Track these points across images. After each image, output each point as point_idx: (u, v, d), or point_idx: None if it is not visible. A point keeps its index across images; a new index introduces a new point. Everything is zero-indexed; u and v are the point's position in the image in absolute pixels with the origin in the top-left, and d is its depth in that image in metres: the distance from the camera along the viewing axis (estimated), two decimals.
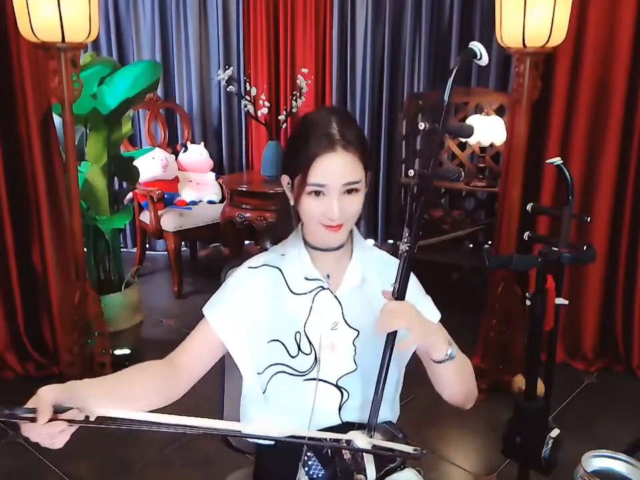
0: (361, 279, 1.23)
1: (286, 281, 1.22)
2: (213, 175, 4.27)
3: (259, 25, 4.33)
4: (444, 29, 4.06)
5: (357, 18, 4.21)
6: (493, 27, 2.51)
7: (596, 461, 1.12)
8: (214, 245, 4.76)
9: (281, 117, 3.90)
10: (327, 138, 1.11)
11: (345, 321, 1.21)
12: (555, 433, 1.60)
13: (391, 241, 4.37)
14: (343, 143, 1.11)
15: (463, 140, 3.67)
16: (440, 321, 1.28)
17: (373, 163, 4.25)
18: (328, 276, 1.22)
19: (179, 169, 4.18)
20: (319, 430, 1.16)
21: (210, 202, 4.13)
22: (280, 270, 1.24)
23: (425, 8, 3.99)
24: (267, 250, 1.30)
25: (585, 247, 1.89)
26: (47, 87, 2.49)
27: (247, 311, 1.20)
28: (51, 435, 0.91)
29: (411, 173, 1.08)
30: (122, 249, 3.72)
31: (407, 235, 1.09)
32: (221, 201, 4.14)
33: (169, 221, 3.82)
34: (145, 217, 3.93)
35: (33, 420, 0.88)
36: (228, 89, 3.90)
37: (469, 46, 1.08)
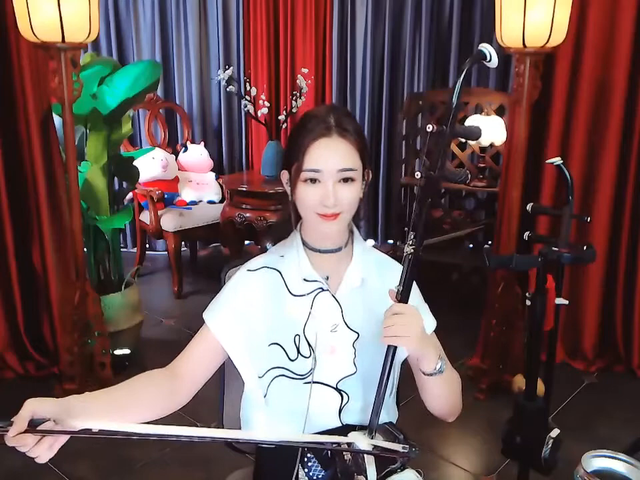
0: (360, 280, 1.23)
1: (285, 283, 1.22)
2: (212, 174, 4.27)
3: (259, 24, 4.33)
4: (444, 29, 4.06)
5: (356, 18, 4.21)
6: (492, 27, 2.51)
7: (596, 460, 1.12)
8: (214, 244, 4.76)
9: (281, 117, 3.91)
10: (324, 124, 1.13)
11: (345, 322, 1.20)
12: (555, 432, 1.60)
13: (390, 241, 4.37)
14: (338, 130, 1.13)
15: (463, 140, 3.66)
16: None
17: (373, 163, 4.25)
18: (327, 278, 1.21)
19: (178, 169, 4.18)
20: (319, 432, 1.16)
21: (210, 202, 4.13)
22: (279, 272, 1.23)
23: (424, 8, 3.99)
24: (266, 250, 1.30)
25: (584, 247, 1.89)
26: (47, 87, 2.49)
27: (247, 315, 1.20)
28: (28, 447, 0.91)
29: (418, 175, 1.07)
30: (122, 249, 3.72)
31: (412, 237, 1.08)
32: (221, 201, 4.14)
33: (169, 221, 3.82)
34: (145, 216, 3.93)
35: (5, 432, 0.89)
36: (228, 89, 3.90)
37: (479, 47, 1.07)
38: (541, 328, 1.77)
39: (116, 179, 3.33)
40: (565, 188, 2.01)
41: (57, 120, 2.64)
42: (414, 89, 4.14)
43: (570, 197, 2.01)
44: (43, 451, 0.93)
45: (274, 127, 4.10)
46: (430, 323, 1.27)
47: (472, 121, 3.50)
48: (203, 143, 4.36)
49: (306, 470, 1.18)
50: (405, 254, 1.09)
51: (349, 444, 1.10)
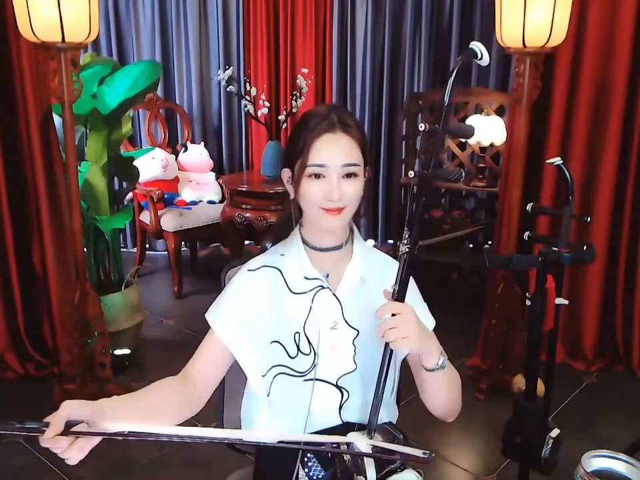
0: (360, 278, 1.23)
1: (285, 281, 1.22)
2: (212, 175, 4.27)
3: (259, 25, 4.33)
4: (444, 29, 4.06)
5: (356, 18, 4.21)
6: (492, 27, 2.51)
7: (596, 460, 1.12)
8: (214, 244, 4.76)
9: (281, 117, 3.91)
10: (327, 121, 1.14)
11: (345, 320, 1.21)
12: (555, 432, 1.60)
13: (390, 241, 4.37)
14: (342, 126, 1.15)
15: (463, 140, 3.67)
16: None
17: (373, 163, 4.25)
18: (328, 275, 1.22)
19: (179, 169, 4.18)
20: (320, 431, 1.16)
21: (210, 202, 4.13)
22: (279, 270, 1.24)
23: (424, 8, 3.99)
24: (266, 250, 1.30)
25: (584, 247, 1.89)
26: (47, 87, 2.49)
27: (251, 316, 1.20)
28: (62, 449, 0.92)
29: (411, 174, 1.08)
30: (122, 249, 3.72)
31: (406, 236, 1.09)
32: (221, 201, 4.14)
33: (169, 221, 3.82)
34: (145, 216, 3.93)
35: (42, 433, 0.90)
36: (228, 89, 3.90)
37: (470, 46, 1.08)
38: (541, 328, 1.77)
39: (116, 178, 3.33)
40: (565, 188, 2.02)
41: (57, 120, 2.64)
42: (414, 88, 4.14)
43: (570, 197, 2.01)
44: (76, 452, 0.94)
45: (274, 127, 4.10)
46: (429, 322, 1.27)
47: (472, 120, 3.50)
48: (202, 143, 4.36)
49: (306, 470, 1.19)
50: (400, 253, 1.10)
51: (347, 444, 1.10)
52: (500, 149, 3.48)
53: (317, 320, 1.20)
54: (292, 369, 1.17)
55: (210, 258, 4.66)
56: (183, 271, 3.94)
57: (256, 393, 1.23)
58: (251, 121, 4.37)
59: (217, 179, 4.25)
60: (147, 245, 4.36)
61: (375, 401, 1.10)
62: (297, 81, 3.85)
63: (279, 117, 3.96)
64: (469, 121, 3.53)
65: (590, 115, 2.80)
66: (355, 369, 1.19)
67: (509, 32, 2.38)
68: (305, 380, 1.17)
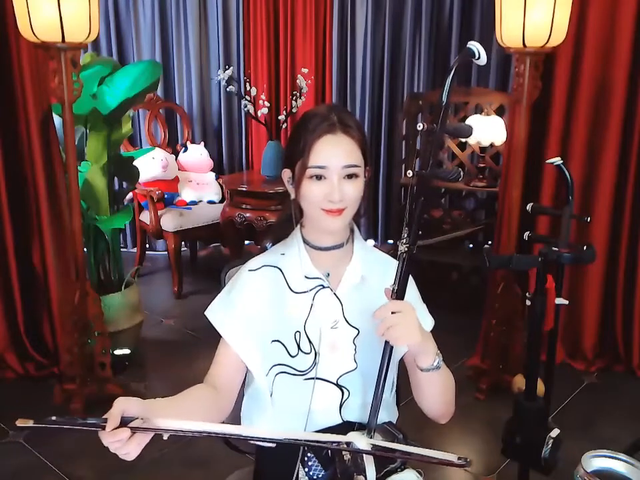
0: (360, 277, 1.24)
1: (286, 280, 1.23)
2: (212, 174, 4.27)
3: (259, 25, 4.33)
4: (444, 29, 4.06)
5: (356, 18, 4.21)
6: (492, 27, 2.51)
7: (596, 460, 1.12)
8: (214, 244, 4.76)
9: (281, 117, 3.91)
10: (327, 122, 1.14)
11: (345, 319, 1.21)
12: (555, 433, 1.60)
13: (390, 241, 4.37)
14: (342, 127, 1.15)
15: (463, 140, 3.66)
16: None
17: (373, 163, 4.25)
18: (328, 275, 1.22)
19: (179, 169, 4.18)
20: (320, 430, 1.17)
21: (210, 202, 4.13)
22: (280, 269, 1.24)
23: (424, 8, 3.99)
24: (266, 250, 1.30)
25: (584, 247, 1.90)
26: (47, 87, 2.49)
27: (254, 317, 1.21)
28: (121, 443, 0.95)
29: (410, 173, 1.08)
30: (122, 249, 3.72)
31: (405, 235, 1.09)
32: (221, 201, 4.14)
33: (169, 221, 3.82)
34: (145, 216, 3.94)
35: (102, 428, 0.92)
36: (228, 89, 3.90)
37: (467, 45, 1.08)
38: (541, 328, 1.77)
39: (116, 178, 3.33)
40: (565, 188, 2.01)
41: (57, 120, 2.64)
42: (414, 89, 4.14)
43: (570, 197, 2.01)
44: (134, 447, 0.96)
45: (274, 127, 4.10)
46: (428, 322, 1.27)
47: (472, 120, 3.49)
48: (202, 143, 4.36)
49: (306, 470, 1.19)
50: (399, 252, 1.10)
51: (347, 444, 1.10)
52: (500, 148, 3.48)
53: (317, 319, 1.20)
54: (293, 368, 1.18)
55: (210, 258, 4.66)
56: (183, 271, 3.94)
57: (258, 391, 1.23)
58: (251, 121, 4.37)
59: (217, 179, 4.25)
60: (147, 245, 4.36)
61: (374, 401, 1.10)
62: (297, 81, 3.85)
63: (279, 117, 3.96)
64: (468, 121, 3.52)
65: (590, 115, 2.80)
66: (356, 368, 1.19)
67: (508, 32, 2.38)
68: (306, 379, 1.17)
